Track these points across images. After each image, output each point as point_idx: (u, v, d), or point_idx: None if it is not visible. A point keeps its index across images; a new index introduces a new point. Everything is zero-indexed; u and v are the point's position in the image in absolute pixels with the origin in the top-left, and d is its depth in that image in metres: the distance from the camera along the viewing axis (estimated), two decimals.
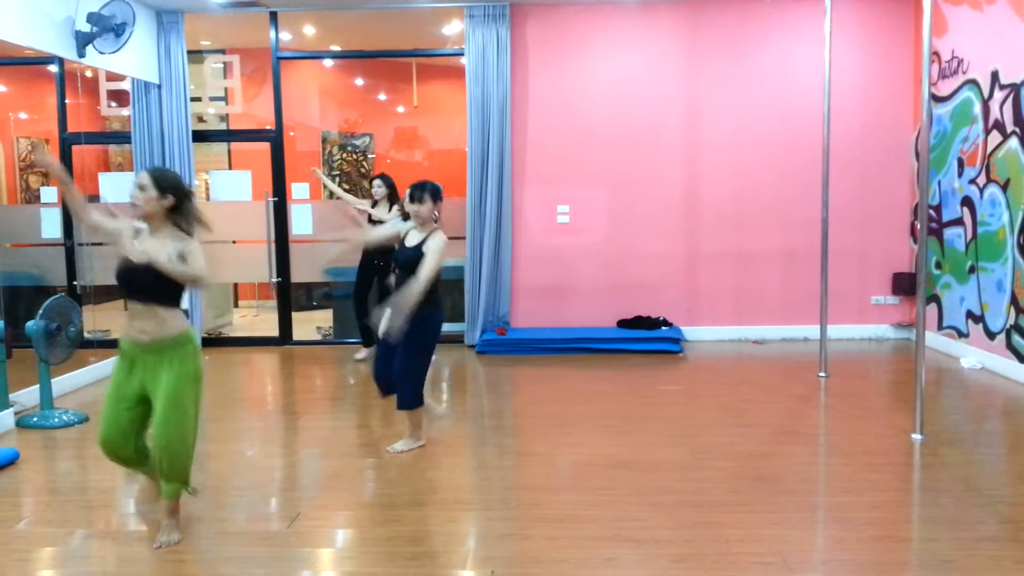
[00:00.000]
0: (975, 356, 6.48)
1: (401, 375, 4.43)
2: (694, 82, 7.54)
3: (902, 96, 7.51)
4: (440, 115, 10.12)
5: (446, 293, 8.03)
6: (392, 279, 4.56)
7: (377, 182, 6.98)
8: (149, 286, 3.28)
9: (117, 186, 7.80)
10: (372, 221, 6.83)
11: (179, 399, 3.31)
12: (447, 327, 7.85)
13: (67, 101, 7.63)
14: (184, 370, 3.34)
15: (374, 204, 6.97)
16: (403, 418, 4.62)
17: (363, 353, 7.10)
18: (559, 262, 7.69)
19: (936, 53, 7.06)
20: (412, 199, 4.40)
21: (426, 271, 4.21)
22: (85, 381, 6.35)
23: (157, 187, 3.31)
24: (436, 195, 4.44)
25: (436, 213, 4.45)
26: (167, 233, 3.35)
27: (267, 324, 8.61)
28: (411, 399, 4.49)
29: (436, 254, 4.28)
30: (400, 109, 10.59)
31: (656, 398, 5.71)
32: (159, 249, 3.27)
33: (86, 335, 7.44)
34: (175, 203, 3.35)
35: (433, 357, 4.57)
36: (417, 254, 4.33)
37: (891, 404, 5.48)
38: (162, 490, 3.42)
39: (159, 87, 7.48)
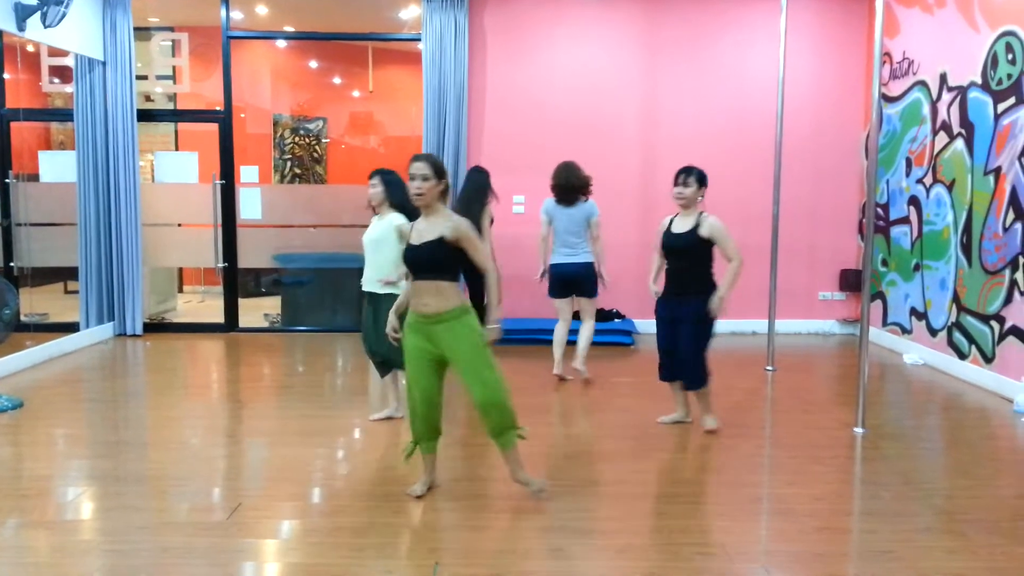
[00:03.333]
0: (918, 352, 6.63)
1: (694, 355, 4.52)
2: (652, 75, 7.57)
3: (854, 95, 7.63)
4: (396, 101, 10.00)
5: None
6: (658, 266, 4.71)
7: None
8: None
9: (58, 165, 7.56)
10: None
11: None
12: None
13: (6, 76, 7.35)
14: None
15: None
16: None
17: None
18: (514, 253, 7.64)
19: (888, 54, 7.18)
20: (676, 182, 4.45)
21: (733, 253, 4.38)
22: (21, 366, 6.14)
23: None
24: (702, 180, 4.48)
25: (701, 197, 4.49)
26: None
27: (212, 310, 8.43)
28: (704, 377, 4.60)
29: (728, 235, 4.40)
30: (355, 94, 10.44)
31: (607, 390, 5.72)
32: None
33: (22, 318, 7.21)
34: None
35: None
36: (690, 239, 4.39)
37: (835, 398, 5.58)
38: (499, 444, 3.64)
39: (104, 64, 7.25)
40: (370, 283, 4.78)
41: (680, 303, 4.52)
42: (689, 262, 4.49)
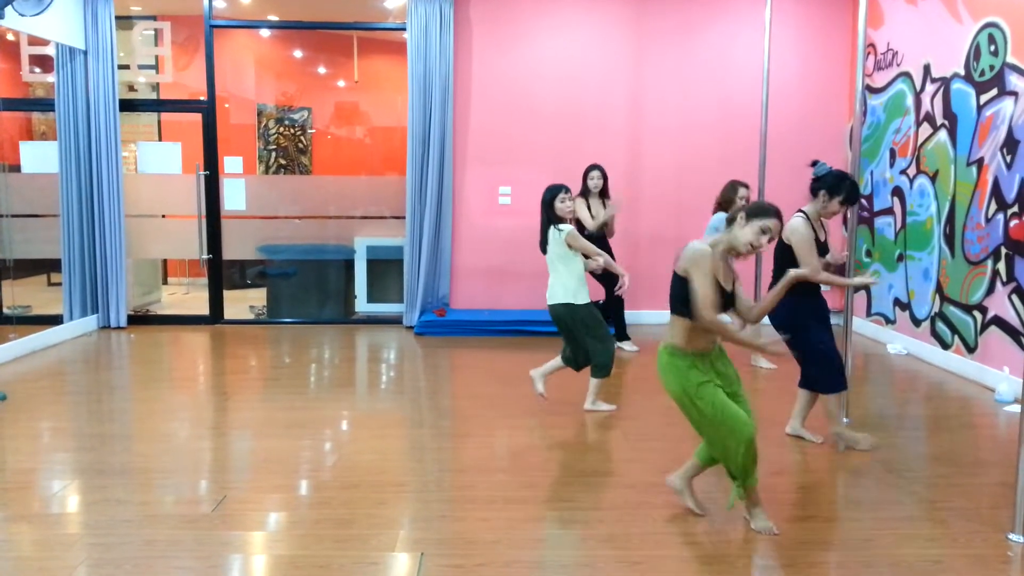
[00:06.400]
0: (901, 342, 6.68)
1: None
2: (639, 65, 7.56)
3: (839, 86, 7.65)
4: (382, 91, 9.95)
5: (385, 274, 7.96)
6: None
7: (595, 173, 6.48)
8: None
9: (40, 155, 7.48)
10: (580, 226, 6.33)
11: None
12: (385, 308, 7.85)
13: None
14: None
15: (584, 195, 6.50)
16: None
17: (631, 346, 6.79)
18: (500, 244, 7.66)
19: (872, 45, 7.21)
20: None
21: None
22: (4, 359, 6.09)
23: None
24: None
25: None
26: None
27: (197, 302, 8.39)
28: None
29: None
30: (340, 83, 10.37)
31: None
32: None
33: (5, 311, 7.16)
34: None
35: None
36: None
37: None
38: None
39: (85, 53, 7.17)
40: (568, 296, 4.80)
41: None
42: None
